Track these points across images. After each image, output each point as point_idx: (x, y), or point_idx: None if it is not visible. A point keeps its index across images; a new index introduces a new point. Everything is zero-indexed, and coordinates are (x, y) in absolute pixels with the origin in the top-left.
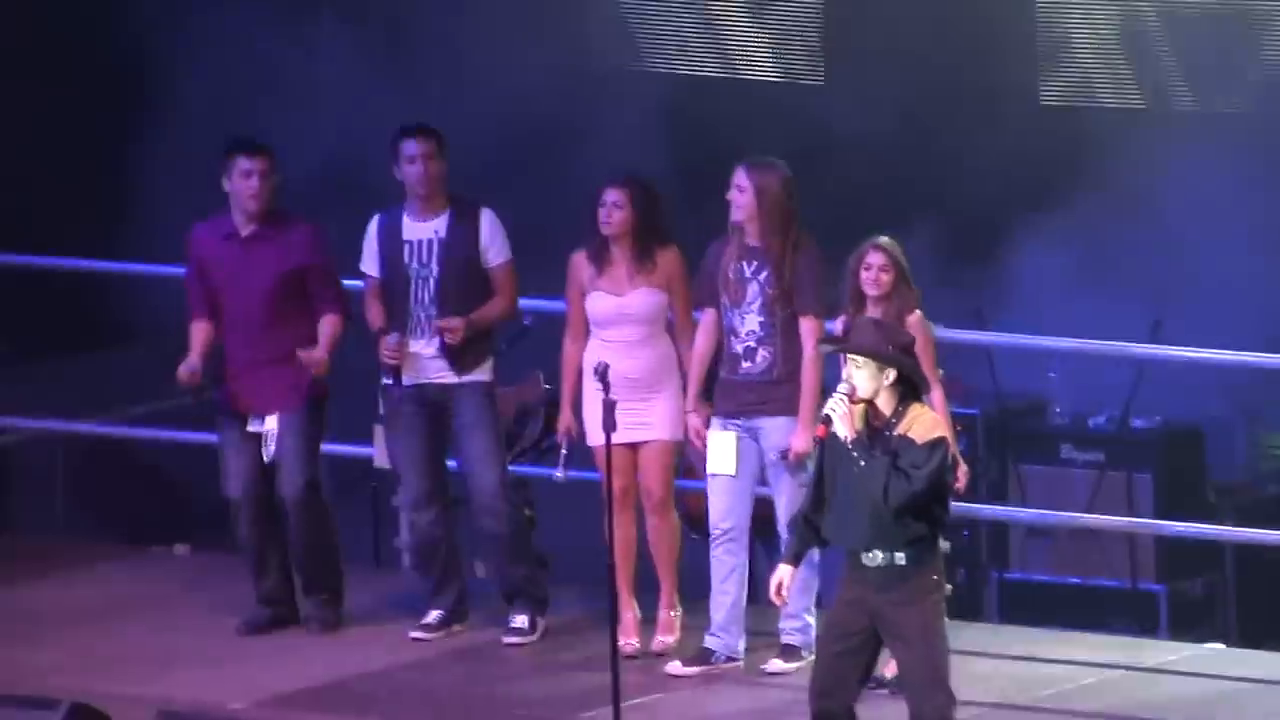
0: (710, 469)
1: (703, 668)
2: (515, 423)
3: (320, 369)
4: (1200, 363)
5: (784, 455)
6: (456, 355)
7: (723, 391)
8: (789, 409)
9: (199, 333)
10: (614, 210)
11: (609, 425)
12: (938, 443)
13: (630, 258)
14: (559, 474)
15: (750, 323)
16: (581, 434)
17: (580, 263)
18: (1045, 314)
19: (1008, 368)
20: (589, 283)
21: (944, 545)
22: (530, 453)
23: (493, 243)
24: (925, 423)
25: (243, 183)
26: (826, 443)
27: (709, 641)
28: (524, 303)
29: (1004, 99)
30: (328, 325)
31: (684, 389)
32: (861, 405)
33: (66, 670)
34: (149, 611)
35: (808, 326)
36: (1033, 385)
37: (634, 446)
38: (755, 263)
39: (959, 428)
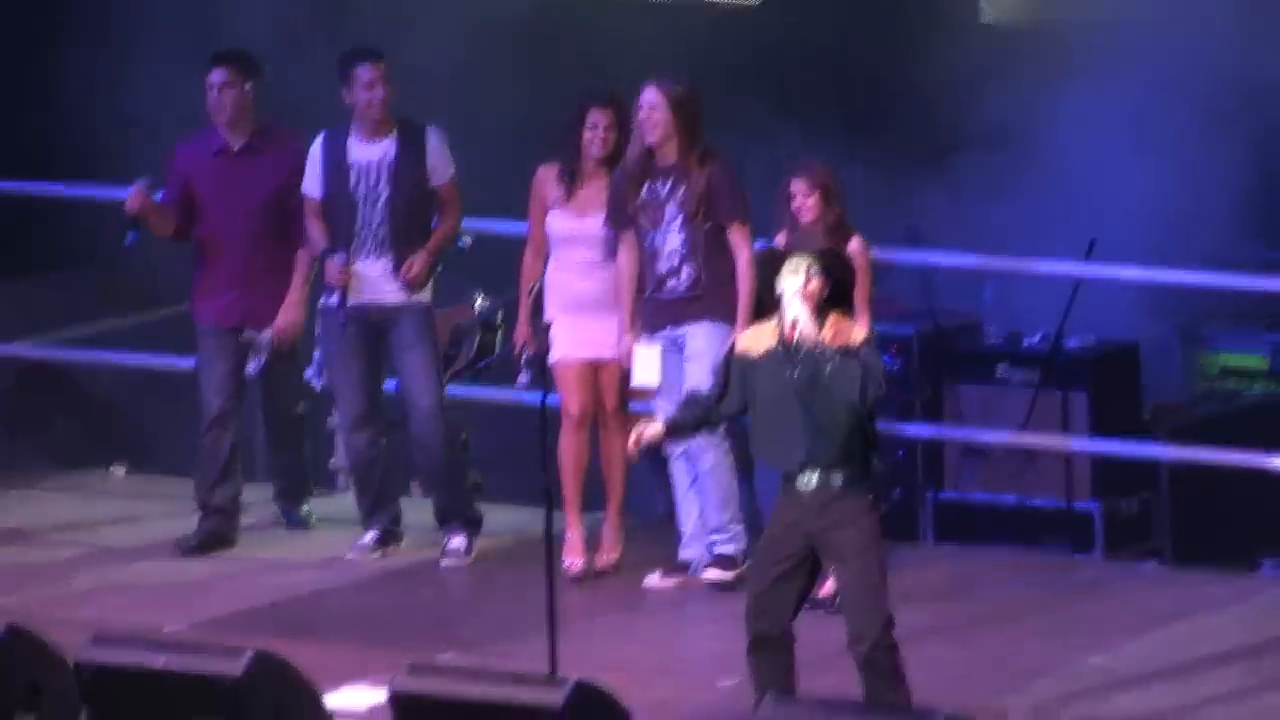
0: (635, 381)
1: (681, 578)
2: (450, 344)
3: (291, 337)
4: (1136, 282)
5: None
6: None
7: (649, 310)
8: (709, 315)
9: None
10: (606, 132)
11: (543, 346)
12: (869, 342)
13: (603, 179)
14: (522, 379)
15: (672, 241)
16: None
17: (547, 178)
18: (981, 233)
19: (943, 287)
20: (553, 200)
21: (877, 465)
22: (464, 374)
23: (439, 161)
24: (852, 330)
25: (211, 96)
26: (737, 358)
27: (684, 554)
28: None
29: (944, 15)
30: (300, 270)
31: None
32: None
33: (1, 593)
34: (84, 534)
35: (737, 233)
36: (968, 304)
37: (594, 364)
38: (669, 181)
39: (893, 347)
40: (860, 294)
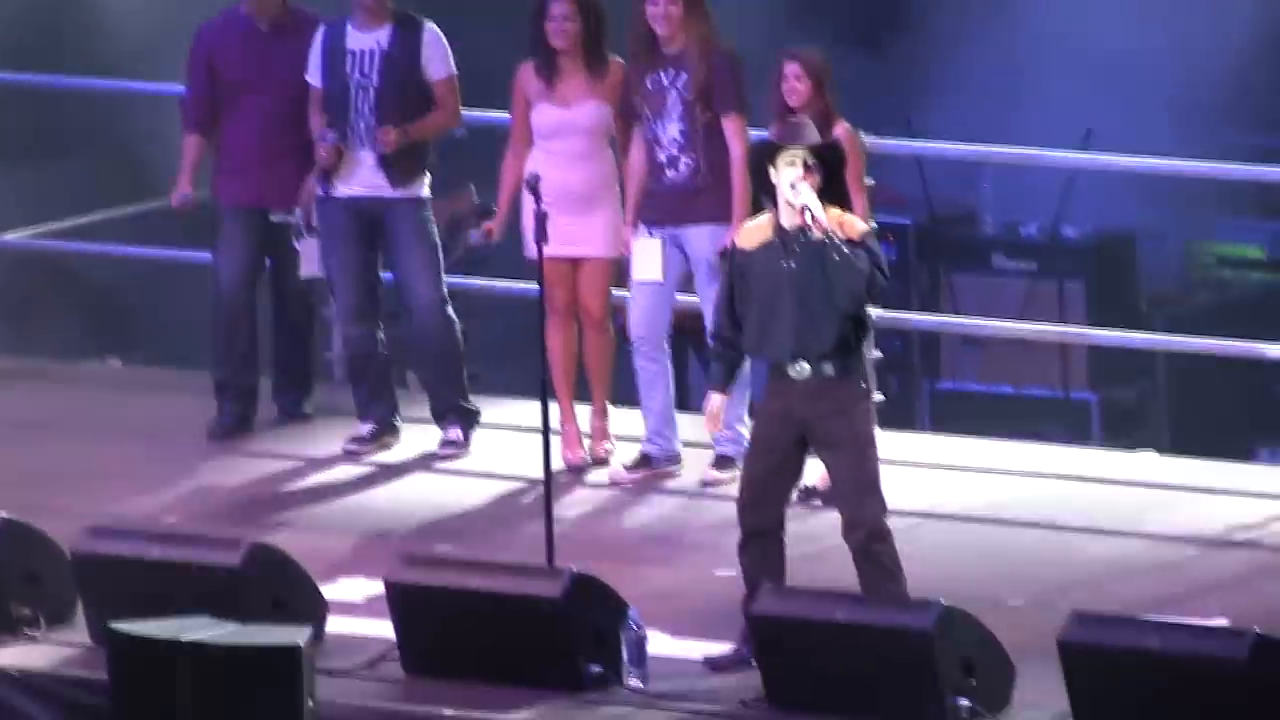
0: (636, 276)
1: (645, 472)
2: (446, 234)
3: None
4: (1132, 171)
5: (722, 257)
6: (393, 166)
7: (649, 201)
8: (713, 216)
9: (191, 150)
10: (564, 23)
11: (540, 236)
12: (870, 234)
13: (581, 70)
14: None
15: (671, 130)
16: (509, 240)
17: (527, 74)
18: (976, 122)
19: (938, 177)
20: (535, 95)
21: (875, 354)
22: (461, 264)
23: (434, 57)
24: (852, 221)
25: None
26: (734, 256)
27: (646, 447)
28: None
29: None
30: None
31: (623, 204)
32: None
33: None
34: (80, 425)
35: (732, 125)
36: (964, 194)
37: (574, 262)
38: (672, 70)
39: (889, 237)
40: (853, 180)
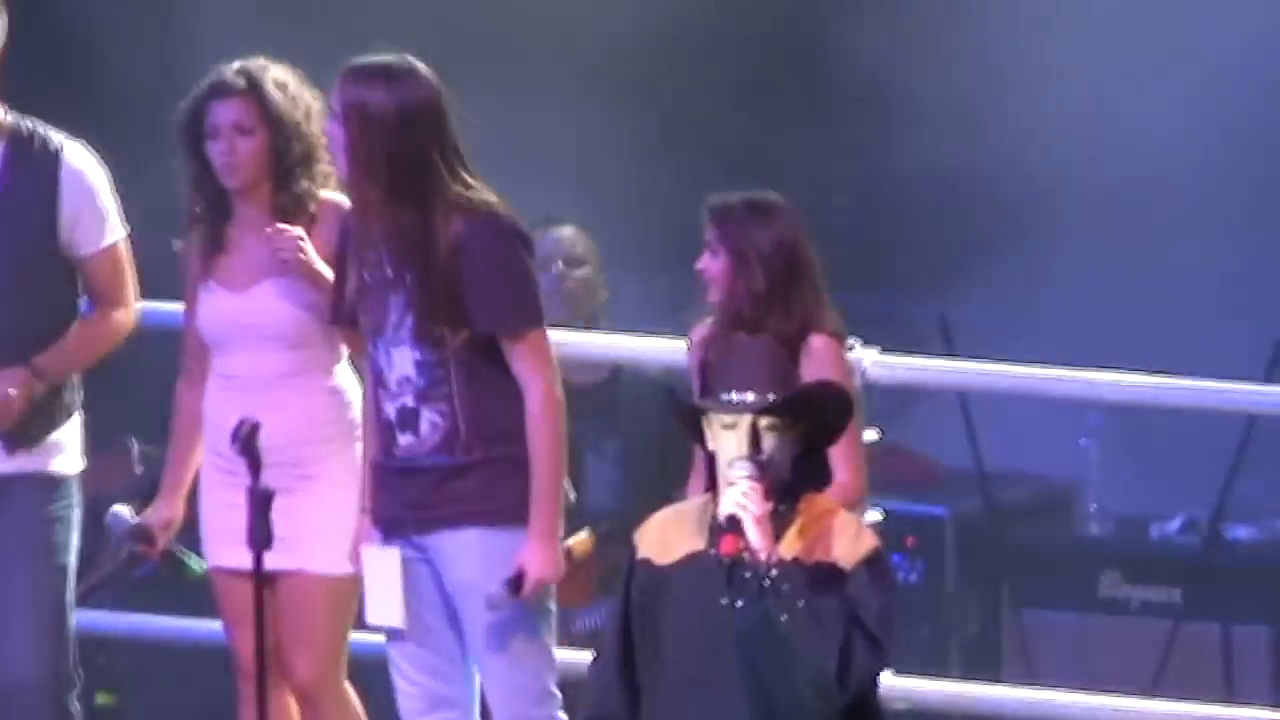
0: (370, 617)
1: None
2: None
3: None
4: None
5: (509, 585)
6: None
7: (377, 483)
8: (481, 513)
9: None
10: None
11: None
12: (874, 559)
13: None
14: None
15: (401, 361)
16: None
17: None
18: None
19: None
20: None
21: None
22: (110, 585)
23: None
24: (844, 528)
25: None
26: (634, 575)
27: None
28: None
29: None
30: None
31: None
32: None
33: None
34: None
35: (520, 348)
36: (1049, 458)
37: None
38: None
39: (910, 541)
40: (844, 442)
